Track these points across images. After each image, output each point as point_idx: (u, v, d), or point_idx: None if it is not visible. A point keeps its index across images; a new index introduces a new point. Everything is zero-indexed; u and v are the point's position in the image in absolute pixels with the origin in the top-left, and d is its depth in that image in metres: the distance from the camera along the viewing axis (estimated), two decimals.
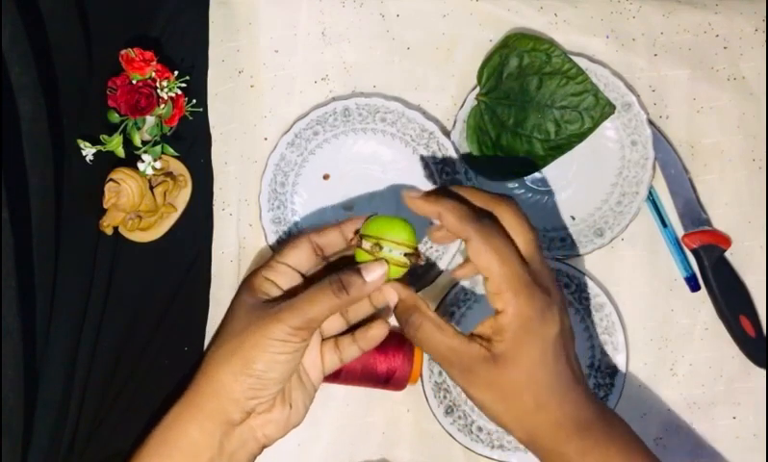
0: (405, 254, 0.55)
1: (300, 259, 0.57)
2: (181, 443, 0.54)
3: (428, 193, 0.56)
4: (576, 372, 0.55)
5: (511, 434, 0.55)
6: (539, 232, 0.68)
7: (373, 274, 0.54)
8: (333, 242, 0.58)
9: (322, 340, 0.59)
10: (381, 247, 0.54)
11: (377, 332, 0.58)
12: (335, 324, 0.59)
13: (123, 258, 0.67)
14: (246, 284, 0.56)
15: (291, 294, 0.55)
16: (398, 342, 0.66)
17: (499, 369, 0.53)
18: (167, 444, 0.55)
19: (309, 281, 0.56)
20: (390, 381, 0.66)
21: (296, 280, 0.57)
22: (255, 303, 0.55)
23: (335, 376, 0.65)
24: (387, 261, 0.54)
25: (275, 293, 0.56)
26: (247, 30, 0.69)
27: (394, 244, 0.55)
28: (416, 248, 0.55)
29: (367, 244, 0.55)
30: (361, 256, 0.55)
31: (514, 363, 0.53)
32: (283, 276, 0.56)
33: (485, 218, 0.54)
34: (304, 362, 0.57)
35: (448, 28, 0.69)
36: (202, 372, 0.55)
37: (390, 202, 0.69)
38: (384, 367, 0.65)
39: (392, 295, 0.56)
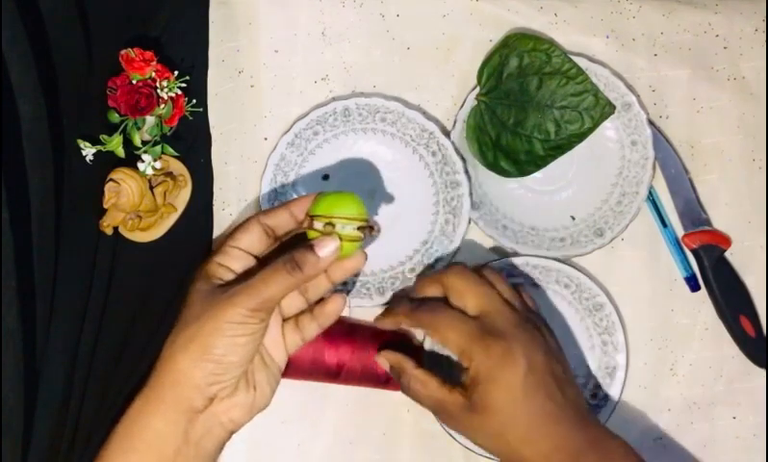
0: (357, 228, 0.55)
1: (252, 242, 0.57)
2: (145, 435, 0.54)
3: (385, 314, 0.64)
4: (562, 402, 0.57)
5: None
6: (539, 232, 0.69)
7: (326, 250, 0.54)
8: (283, 222, 0.58)
9: (284, 320, 0.59)
10: (333, 225, 0.55)
11: (334, 306, 0.59)
12: (295, 303, 0.59)
13: (123, 258, 0.67)
14: (201, 272, 0.57)
15: (245, 276, 0.55)
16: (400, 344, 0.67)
17: (479, 415, 0.57)
18: (132, 437, 0.54)
19: (263, 263, 0.56)
20: (390, 381, 0.66)
21: (250, 263, 0.57)
22: (210, 289, 0.55)
23: (335, 376, 0.65)
24: (340, 237, 0.55)
25: (229, 277, 0.56)
26: (247, 30, 0.69)
27: (345, 220, 0.55)
28: (366, 221, 0.56)
29: (318, 224, 0.55)
30: (313, 235, 0.55)
31: (490, 409, 0.57)
32: (236, 260, 0.56)
33: (424, 305, 0.61)
34: (266, 343, 0.57)
35: (448, 28, 0.69)
36: (162, 362, 0.55)
37: (390, 202, 0.69)
38: (385, 370, 0.65)
39: (384, 363, 0.64)
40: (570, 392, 0.58)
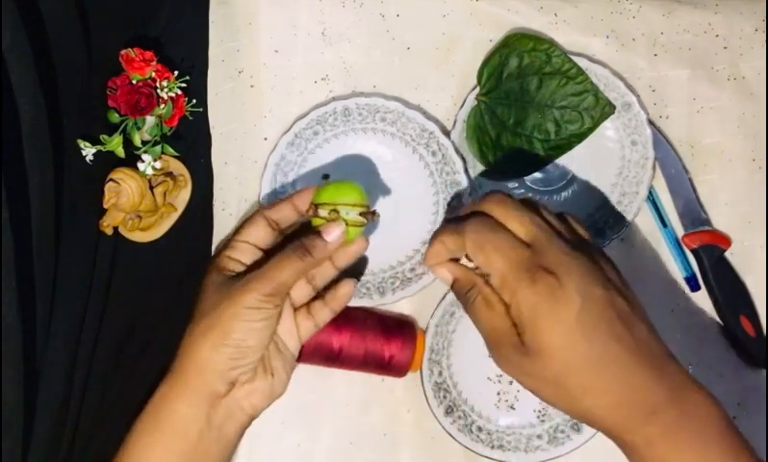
0: (360, 214, 0.58)
1: (259, 235, 0.59)
2: (171, 419, 0.56)
3: (431, 244, 0.56)
4: (631, 344, 0.49)
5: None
6: None
7: (333, 234, 0.57)
8: (287, 215, 0.61)
9: (295, 310, 0.61)
10: (338, 212, 0.57)
11: (345, 290, 0.61)
12: (304, 292, 0.61)
13: (123, 258, 0.68)
14: (213, 265, 0.59)
15: (254, 268, 0.57)
16: (401, 328, 0.67)
17: (531, 360, 0.50)
18: (158, 422, 0.56)
19: (269, 255, 0.58)
20: (391, 367, 0.66)
21: (258, 255, 0.59)
22: (223, 280, 0.57)
23: (335, 360, 0.66)
24: (345, 223, 0.57)
25: (240, 269, 0.58)
26: (247, 30, 0.69)
27: (348, 207, 0.57)
28: (368, 207, 0.58)
29: (323, 212, 0.57)
30: (318, 223, 0.58)
31: (543, 353, 0.49)
32: (245, 254, 0.58)
33: (473, 218, 0.54)
34: (280, 332, 0.59)
35: (448, 28, 0.69)
36: (183, 350, 0.56)
37: (390, 201, 0.69)
38: (386, 353, 0.65)
39: (446, 276, 0.56)
40: (640, 331, 0.50)
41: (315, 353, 0.66)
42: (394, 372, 0.67)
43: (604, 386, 0.49)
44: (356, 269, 0.68)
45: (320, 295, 0.61)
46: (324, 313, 0.61)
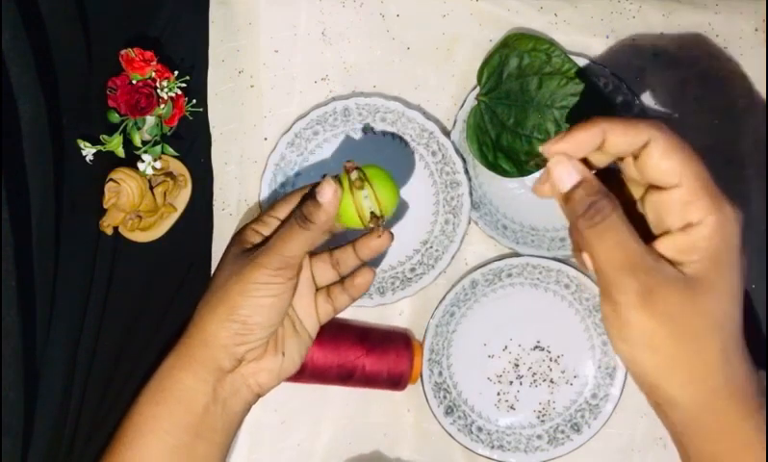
0: (372, 213, 0.55)
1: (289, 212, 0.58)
2: (176, 390, 0.55)
3: (572, 138, 0.46)
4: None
5: (663, 396, 0.45)
6: (539, 232, 0.69)
7: (326, 195, 0.54)
8: None
9: (317, 290, 0.60)
10: (363, 189, 0.54)
11: (363, 279, 0.59)
12: (327, 275, 0.60)
13: (123, 258, 0.68)
14: (236, 237, 0.58)
15: None
16: (399, 342, 0.67)
17: (689, 296, 0.42)
18: (163, 392, 0.56)
19: None
20: (391, 382, 0.66)
21: None
22: (239, 253, 0.56)
23: (337, 379, 0.66)
24: (355, 206, 0.54)
25: (258, 240, 0.57)
26: (247, 30, 0.69)
27: (373, 198, 0.54)
28: (383, 217, 0.55)
29: (354, 174, 0.54)
30: (342, 181, 0.55)
31: (711, 292, 0.43)
32: (270, 228, 0.57)
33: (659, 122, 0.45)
34: (298, 311, 0.59)
35: (448, 28, 0.69)
36: (193, 323, 0.56)
37: None
38: (385, 368, 0.65)
39: (571, 174, 0.45)
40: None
41: (313, 374, 0.66)
42: (393, 387, 0.67)
43: (739, 359, 0.45)
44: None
45: (341, 279, 0.61)
46: (343, 298, 0.60)
